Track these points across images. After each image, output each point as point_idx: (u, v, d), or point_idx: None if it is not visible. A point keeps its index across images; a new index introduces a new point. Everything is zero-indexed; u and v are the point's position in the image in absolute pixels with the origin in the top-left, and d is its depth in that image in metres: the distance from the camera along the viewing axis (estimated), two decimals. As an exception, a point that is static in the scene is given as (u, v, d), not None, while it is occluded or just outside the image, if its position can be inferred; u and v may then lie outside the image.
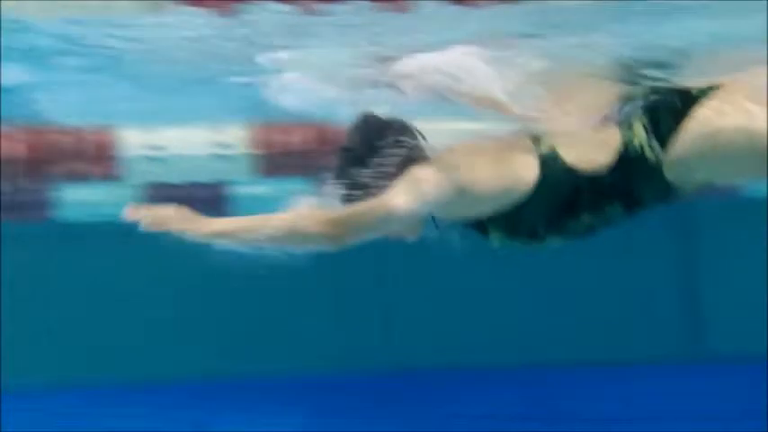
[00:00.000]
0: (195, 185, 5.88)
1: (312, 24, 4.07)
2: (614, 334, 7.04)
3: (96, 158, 5.94)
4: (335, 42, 4.18)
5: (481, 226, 3.52)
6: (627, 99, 3.63)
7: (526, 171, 3.44)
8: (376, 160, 3.46)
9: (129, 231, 4.38)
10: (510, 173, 3.44)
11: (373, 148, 3.49)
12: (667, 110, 3.49)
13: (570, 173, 3.45)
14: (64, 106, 5.70)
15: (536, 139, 3.51)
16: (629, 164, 3.47)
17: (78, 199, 6.10)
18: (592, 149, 3.49)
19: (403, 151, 3.47)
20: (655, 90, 3.62)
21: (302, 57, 4.21)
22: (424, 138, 3.54)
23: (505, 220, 3.47)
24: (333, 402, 6.93)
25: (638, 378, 6.90)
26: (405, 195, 3.37)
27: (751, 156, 3.44)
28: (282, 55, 4.23)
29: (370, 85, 4.20)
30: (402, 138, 3.47)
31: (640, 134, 3.48)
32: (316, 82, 4.40)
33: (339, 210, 3.39)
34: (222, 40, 4.31)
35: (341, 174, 3.51)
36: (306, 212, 3.31)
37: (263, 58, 4.33)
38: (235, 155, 5.87)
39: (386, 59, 4.02)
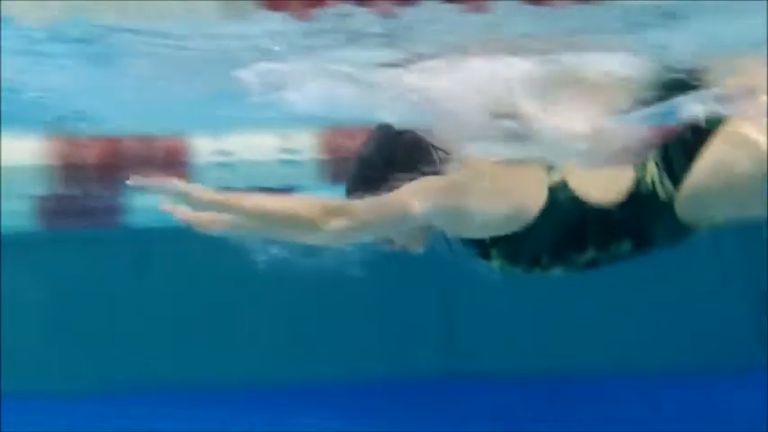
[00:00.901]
0: (263, 191, 5.93)
1: (389, 28, 4.08)
2: (686, 342, 6.99)
3: (166, 165, 6.00)
4: (408, 47, 4.19)
5: (484, 249, 3.51)
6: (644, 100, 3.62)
7: (533, 195, 3.44)
8: (390, 171, 3.46)
9: (197, 237, 4.47)
10: (517, 194, 3.44)
11: (388, 159, 3.51)
12: (679, 146, 3.45)
13: (578, 204, 3.44)
14: (134, 113, 5.79)
15: (549, 168, 3.51)
16: (641, 201, 3.44)
17: (149, 205, 6.18)
18: (603, 183, 3.47)
19: (416, 164, 3.47)
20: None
21: (378, 60, 4.22)
22: (438, 151, 3.53)
23: (507, 244, 3.45)
24: (392, 407, 6.96)
25: (710, 386, 6.84)
26: (410, 198, 3.37)
27: (764, 189, 3.39)
28: (357, 58, 4.25)
29: (435, 91, 4.23)
30: (416, 150, 3.49)
31: (653, 172, 3.45)
32: (385, 87, 4.43)
33: (341, 201, 3.41)
34: (297, 44, 4.34)
35: (355, 183, 3.53)
36: (306, 198, 3.32)
37: (335, 62, 4.37)
38: (302, 160, 5.93)
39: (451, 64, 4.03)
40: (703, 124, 3.44)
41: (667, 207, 3.42)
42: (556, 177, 3.47)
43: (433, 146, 3.52)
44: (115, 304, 7.00)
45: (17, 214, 6.46)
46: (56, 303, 6.98)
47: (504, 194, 3.42)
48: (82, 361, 7.00)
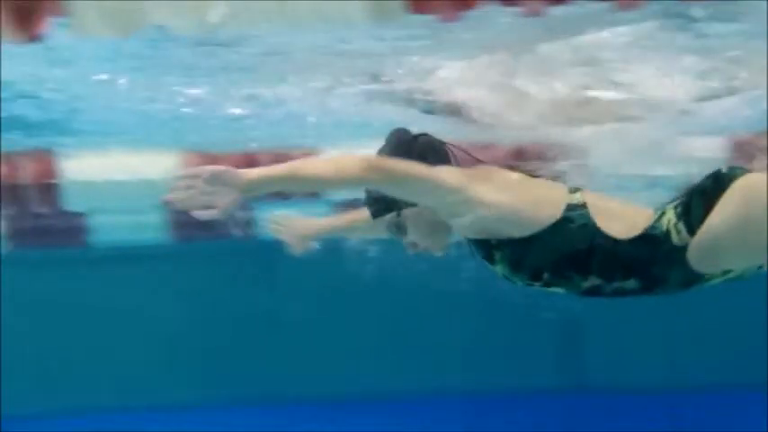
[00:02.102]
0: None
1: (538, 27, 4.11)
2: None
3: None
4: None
5: (488, 251, 3.53)
6: None
7: (548, 206, 3.46)
8: None
9: (327, 250, 4.58)
10: (532, 199, 3.46)
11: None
12: (699, 195, 3.43)
13: (590, 229, 3.46)
14: (278, 128, 5.93)
15: (573, 189, 3.54)
16: (653, 243, 3.44)
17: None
18: (620, 217, 3.50)
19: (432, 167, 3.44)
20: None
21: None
22: (455, 157, 3.56)
23: (512, 250, 3.47)
24: (512, 421, 6.98)
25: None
26: (445, 173, 3.37)
27: None
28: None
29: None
30: (431, 153, 3.49)
31: (670, 217, 3.45)
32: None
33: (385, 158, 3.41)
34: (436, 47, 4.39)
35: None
36: (348, 155, 3.27)
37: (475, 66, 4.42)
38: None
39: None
40: (725, 173, 3.42)
41: (679, 253, 3.42)
42: (577, 199, 3.50)
43: (448, 149, 3.56)
44: (246, 315, 7.12)
45: (151, 227, 6.68)
46: (186, 314, 7.13)
47: (518, 194, 3.45)
48: (217, 372, 7.14)
